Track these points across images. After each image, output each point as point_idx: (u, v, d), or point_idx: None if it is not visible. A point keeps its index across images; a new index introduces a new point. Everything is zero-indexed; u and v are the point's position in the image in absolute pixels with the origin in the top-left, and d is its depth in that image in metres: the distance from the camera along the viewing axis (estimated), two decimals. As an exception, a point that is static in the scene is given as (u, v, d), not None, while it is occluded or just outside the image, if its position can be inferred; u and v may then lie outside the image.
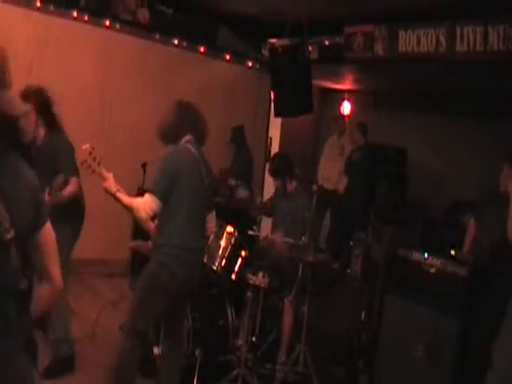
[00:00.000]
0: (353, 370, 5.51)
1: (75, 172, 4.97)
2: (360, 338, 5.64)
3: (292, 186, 5.98)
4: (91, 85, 7.70)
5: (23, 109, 2.11)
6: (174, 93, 7.94)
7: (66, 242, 4.88)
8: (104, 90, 7.82)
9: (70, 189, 4.94)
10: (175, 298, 4.29)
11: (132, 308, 4.26)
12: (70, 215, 5.03)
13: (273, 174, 6.05)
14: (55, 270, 2.31)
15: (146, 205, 4.02)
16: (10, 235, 2.03)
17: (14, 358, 2.10)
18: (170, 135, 4.37)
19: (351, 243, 6.77)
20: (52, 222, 2.28)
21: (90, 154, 3.90)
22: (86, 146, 3.89)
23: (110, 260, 7.69)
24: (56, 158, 4.92)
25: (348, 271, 6.82)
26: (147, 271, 4.25)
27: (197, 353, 5.03)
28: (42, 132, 4.93)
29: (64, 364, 5.04)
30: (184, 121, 4.36)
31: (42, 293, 2.25)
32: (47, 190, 4.82)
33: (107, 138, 7.53)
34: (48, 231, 2.28)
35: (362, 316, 5.69)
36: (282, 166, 6.00)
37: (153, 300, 4.18)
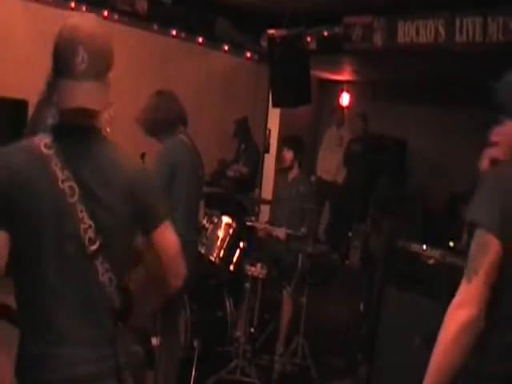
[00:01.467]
0: (352, 362, 5.51)
1: None
2: (359, 330, 5.64)
3: (295, 172, 5.99)
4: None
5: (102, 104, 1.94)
6: (172, 84, 7.89)
7: None
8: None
9: None
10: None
11: None
12: None
13: (287, 142, 6.07)
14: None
15: None
16: (95, 246, 1.83)
17: (112, 376, 1.92)
18: (163, 127, 4.30)
19: (350, 234, 6.78)
20: None
21: None
22: None
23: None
24: None
25: (347, 263, 6.83)
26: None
27: (195, 344, 5.03)
28: None
29: None
30: (177, 110, 4.32)
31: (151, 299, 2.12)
32: None
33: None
34: (166, 233, 2.04)
35: (361, 307, 5.68)
36: (297, 140, 6.04)
37: None
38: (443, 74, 8.19)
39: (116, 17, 8.08)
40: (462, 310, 2.01)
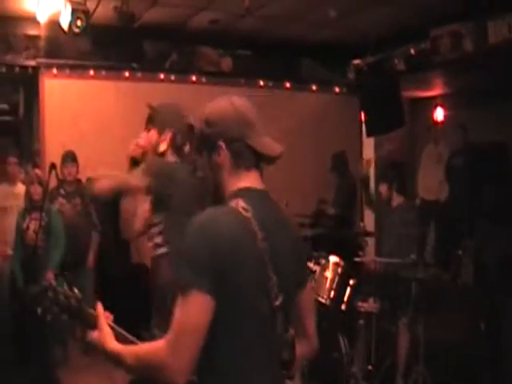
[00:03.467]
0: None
1: None
2: (482, 351, 5.32)
3: (397, 200, 5.84)
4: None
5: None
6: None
7: None
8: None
9: None
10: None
11: None
12: None
13: (381, 176, 5.97)
14: (313, 328, 2.25)
15: None
16: (278, 301, 1.93)
17: None
18: None
19: (460, 252, 6.48)
20: None
21: None
22: None
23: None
24: None
25: (459, 282, 6.51)
26: None
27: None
28: None
29: None
30: None
31: (298, 351, 2.10)
32: None
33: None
34: (309, 287, 2.24)
35: (482, 327, 5.36)
36: (388, 171, 5.90)
37: None
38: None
39: (204, 79, 8.35)
40: None
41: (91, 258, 6.57)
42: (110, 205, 5.99)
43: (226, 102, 2.08)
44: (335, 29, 7.90)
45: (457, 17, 7.05)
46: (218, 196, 2.08)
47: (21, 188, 6.46)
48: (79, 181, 6.82)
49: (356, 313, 5.26)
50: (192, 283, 1.81)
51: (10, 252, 6.10)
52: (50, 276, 5.73)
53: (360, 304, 5.21)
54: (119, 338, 2.02)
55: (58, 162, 5.96)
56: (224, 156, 2.02)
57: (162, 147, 3.74)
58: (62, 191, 6.60)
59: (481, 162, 8.13)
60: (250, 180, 2.05)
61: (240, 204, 1.92)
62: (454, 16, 7.04)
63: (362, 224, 6.82)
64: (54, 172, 5.27)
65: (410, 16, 7.24)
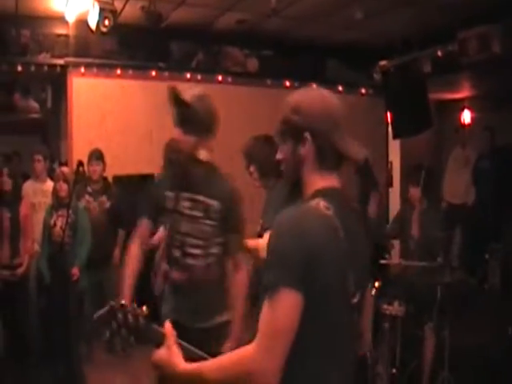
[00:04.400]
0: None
1: None
2: (509, 355, 5.26)
3: (423, 203, 5.80)
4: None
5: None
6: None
7: None
8: (224, 143, 7.92)
9: None
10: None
11: None
12: None
13: (412, 178, 5.88)
14: (367, 323, 2.27)
15: None
16: (355, 299, 1.93)
17: None
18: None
19: (486, 256, 6.42)
20: None
21: None
22: None
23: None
24: None
25: (485, 286, 6.45)
26: None
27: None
28: None
29: None
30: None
31: None
32: None
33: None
34: (369, 290, 2.23)
35: (509, 331, 5.31)
36: (417, 172, 5.85)
37: None
38: None
39: (230, 79, 8.37)
40: None
41: (117, 255, 6.60)
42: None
43: (317, 94, 2.05)
44: (361, 30, 7.88)
45: (485, 18, 6.97)
46: (295, 189, 2.06)
47: (49, 185, 6.49)
48: (105, 179, 6.86)
49: (381, 316, 5.21)
50: (282, 282, 1.76)
51: (37, 248, 6.15)
52: (75, 272, 5.79)
53: (385, 307, 5.15)
54: (188, 354, 1.98)
55: (85, 160, 5.99)
56: (308, 149, 1.98)
57: (203, 156, 3.40)
58: (88, 189, 6.62)
59: (508, 165, 8.06)
60: (330, 180, 2.01)
61: (321, 203, 1.89)
62: (482, 17, 6.97)
63: (387, 226, 6.75)
64: (81, 169, 5.28)
65: (437, 17, 7.21)
